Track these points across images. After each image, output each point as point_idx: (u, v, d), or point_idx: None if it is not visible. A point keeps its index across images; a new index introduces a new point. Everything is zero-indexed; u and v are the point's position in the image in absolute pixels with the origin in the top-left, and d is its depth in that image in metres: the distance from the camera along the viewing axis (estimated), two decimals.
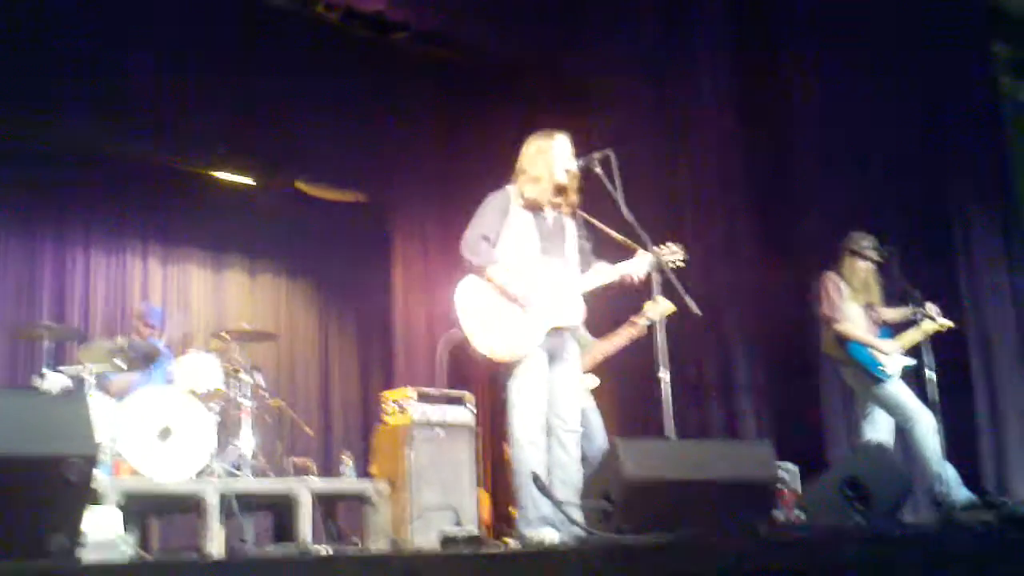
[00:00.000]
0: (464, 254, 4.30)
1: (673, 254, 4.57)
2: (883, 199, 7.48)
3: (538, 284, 4.34)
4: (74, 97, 7.67)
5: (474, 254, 4.29)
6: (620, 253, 4.64)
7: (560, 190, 4.50)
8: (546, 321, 4.33)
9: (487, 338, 4.25)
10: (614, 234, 4.65)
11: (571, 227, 4.60)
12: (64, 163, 8.68)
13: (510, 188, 4.49)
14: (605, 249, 4.74)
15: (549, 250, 4.46)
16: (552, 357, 4.38)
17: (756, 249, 7.77)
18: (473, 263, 4.29)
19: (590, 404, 5.49)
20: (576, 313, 4.50)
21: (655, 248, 4.49)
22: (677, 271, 4.56)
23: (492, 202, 4.43)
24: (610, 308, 5.30)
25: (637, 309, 5.48)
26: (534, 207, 4.47)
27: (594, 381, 5.59)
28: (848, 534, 3.74)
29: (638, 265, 4.49)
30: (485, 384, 7.29)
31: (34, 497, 2.34)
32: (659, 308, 4.80)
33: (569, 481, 4.29)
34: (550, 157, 4.49)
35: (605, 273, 4.52)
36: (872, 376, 5.86)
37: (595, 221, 4.68)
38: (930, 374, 5.98)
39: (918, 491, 5.86)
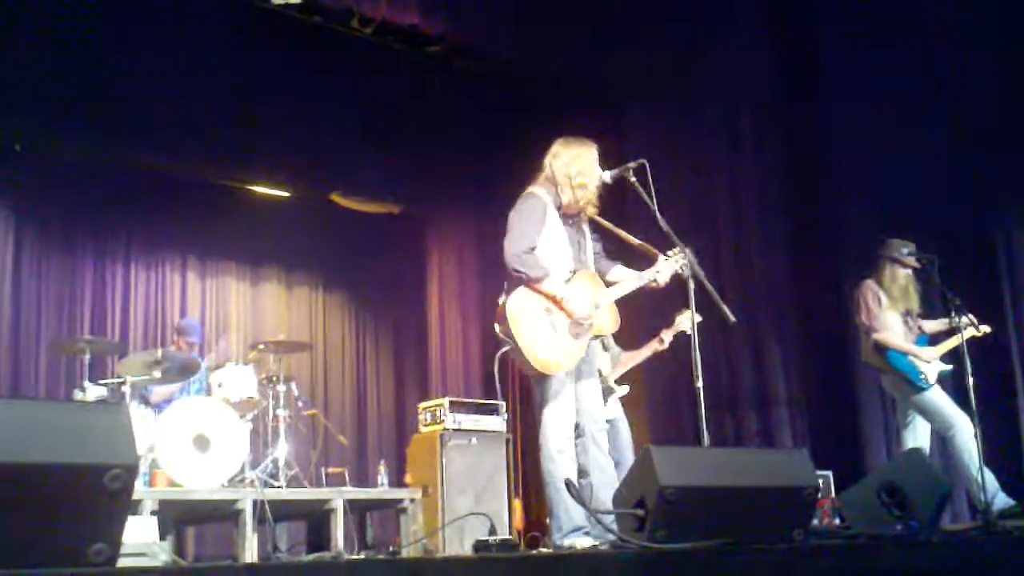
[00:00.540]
0: (516, 267, 4.24)
1: (685, 260, 4.50)
2: (922, 204, 7.40)
3: (584, 296, 4.34)
4: (114, 114, 7.78)
5: (527, 267, 4.23)
6: (630, 255, 4.65)
7: (598, 194, 4.50)
8: (592, 333, 4.36)
9: (542, 350, 4.23)
10: (631, 239, 4.64)
11: (588, 232, 4.60)
12: (103, 179, 8.81)
13: (541, 192, 4.45)
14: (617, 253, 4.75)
15: (579, 257, 4.47)
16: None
17: (792, 257, 7.72)
18: (529, 276, 4.24)
19: (619, 414, 5.47)
20: (614, 323, 4.51)
21: (668, 252, 4.49)
22: (713, 278, 4.54)
23: (529, 209, 4.38)
24: (635, 316, 5.29)
25: (660, 317, 5.50)
26: (570, 213, 4.47)
27: (624, 390, 5.57)
28: (887, 541, 3.70)
29: (663, 271, 4.48)
30: (520, 394, 7.31)
31: (75, 506, 2.36)
32: (687, 319, 4.84)
33: (608, 480, 4.27)
34: (593, 164, 4.48)
35: (633, 281, 4.51)
36: (912, 384, 5.81)
37: (609, 225, 4.65)
38: (970, 380, 5.91)
39: (957, 498, 5.79)
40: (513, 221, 4.34)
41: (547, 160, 4.54)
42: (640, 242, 4.59)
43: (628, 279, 4.52)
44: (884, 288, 6.02)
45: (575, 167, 4.45)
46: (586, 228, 4.58)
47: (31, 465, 2.33)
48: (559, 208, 4.44)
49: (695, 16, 8.09)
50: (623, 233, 4.64)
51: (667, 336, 5.59)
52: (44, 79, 7.43)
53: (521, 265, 4.22)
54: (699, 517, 3.38)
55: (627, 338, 5.65)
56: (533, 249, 4.29)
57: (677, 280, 4.50)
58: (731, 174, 7.96)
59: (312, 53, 8.48)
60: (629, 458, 5.24)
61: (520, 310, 4.24)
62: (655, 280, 4.48)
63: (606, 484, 4.25)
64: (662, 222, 4.39)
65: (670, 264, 4.47)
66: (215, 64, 8.15)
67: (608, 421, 5.44)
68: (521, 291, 4.26)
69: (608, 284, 4.55)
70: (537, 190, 4.45)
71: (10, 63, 7.21)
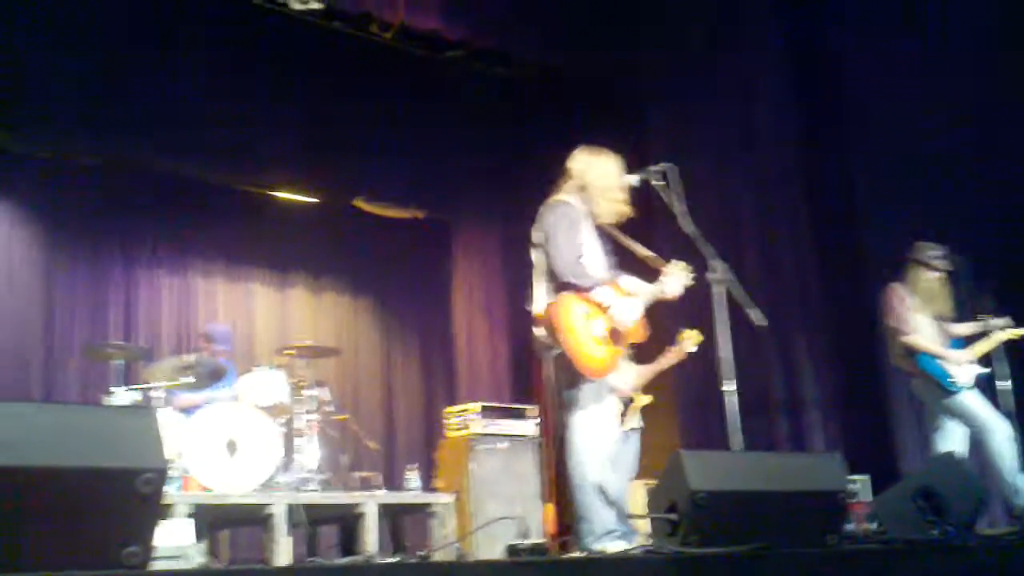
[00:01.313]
0: (568, 277, 4.24)
1: (689, 272, 4.53)
2: (951, 205, 7.32)
3: (627, 305, 4.36)
4: (141, 121, 7.84)
5: (579, 277, 4.26)
6: (641, 268, 4.66)
7: (622, 206, 4.51)
8: (627, 342, 4.40)
9: (589, 353, 4.25)
10: (640, 251, 4.64)
11: (608, 239, 4.61)
12: (130, 186, 8.88)
13: (572, 201, 4.45)
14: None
15: (610, 266, 4.49)
16: None
17: (821, 259, 7.67)
18: (581, 285, 4.26)
19: (638, 423, 5.49)
20: (644, 332, 4.52)
21: (670, 263, 4.50)
22: (740, 281, 4.52)
23: (566, 219, 4.37)
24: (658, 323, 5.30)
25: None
26: (601, 223, 4.48)
27: (647, 399, 5.58)
28: (922, 546, 3.66)
29: (673, 284, 4.47)
30: (551, 398, 7.28)
31: (107, 509, 2.38)
32: (691, 338, 5.35)
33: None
34: (621, 177, 4.50)
35: (651, 291, 4.50)
36: (942, 388, 5.75)
37: (622, 237, 4.64)
38: (1003, 384, 5.84)
39: (993, 502, 5.72)
40: (555, 230, 4.33)
41: (575, 168, 4.53)
42: (647, 253, 4.61)
43: (642, 292, 4.49)
44: (912, 291, 5.97)
45: (610, 180, 4.46)
46: (607, 238, 4.60)
47: (64, 469, 2.35)
48: (591, 216, 4.45)
49: (715, 16, 8.05)
50: (631, 243, 4.64)
51: (674, 353, 5.65)
52: (72, 86, 7.51)
53: (574, 275, 4.25)
54: (731, 521, 3.36)
55: (652, 345, 5.64)
56: (581, 258, 4.31)
57: (704, 285, 4.49)
58: (756, 176, 7.92)
59: (335, 59, 8.52)
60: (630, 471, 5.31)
61: (565, 314, 4.24)
62: (663, 293, 4.47)
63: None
64: (687, 226, 4.39)
65: (676, 276, 4.47)
66: (237, 71, 8.21)
67: (633, 430, 5.46)
68: (565, 296, 4.26)
69: None
70: (568, 198, 4.45)
71: (40, 70, 7.29)
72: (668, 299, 4.52)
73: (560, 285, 4.27)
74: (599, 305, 4.27)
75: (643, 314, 4.48)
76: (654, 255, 4.59)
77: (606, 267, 4.45)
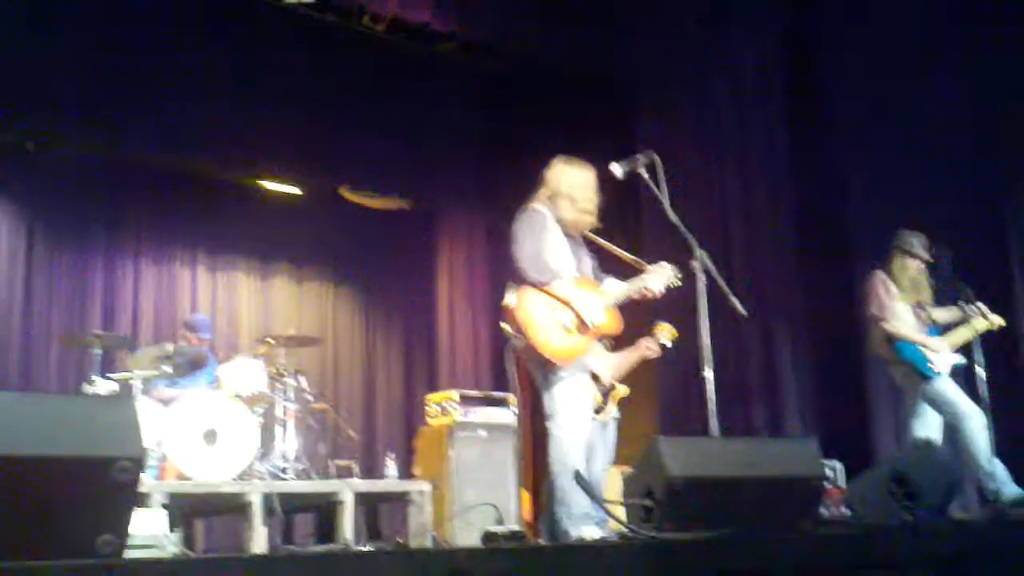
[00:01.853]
0: (528, 273, 4.40)
1: (675, 273, 4.69)
2: (934, 195, 7.36)
3: (590, 298, 4.50)
4: (123, 111, 7.80)
5: (538, 271, 4.41)
6: (624, 270, 4.79)
7: (595, 215, 4.68)
8: (596, 334, 4.52)
9: (553, 342, 4.39)
10: (622, 254, 4.80)
11: (584, 246, 4.76)
12: (113, 175, 8.86)
13: (541, 208, 4.60)
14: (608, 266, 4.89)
15: (580, 268, 4.64)
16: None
17: (802, 247, 7.70)
18: (540, 280, 4.41)
19: (615, 414, 5.52)
20: (617, 325, 4.65)
21: (655, 266, 4.67)
22: (722, 266, 4.59)
23: (531, 223, 4.54)
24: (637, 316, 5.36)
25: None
26: (570, 230, 4.63)
27: (625, 391, 5.61)
28: (895, 530, 3.70)
29: (655, 281, 4.64)
30: (530, 387, 7.31)
31: (82, 498, 2.38)
32: (666, 331, 5.51)
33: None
34: (592, 189, 4.65)
35: (624, 290, 4.65)
36: (921, 374, 5.79)
37: (600, 240, 4.79)
38: (980, 371, 5.89)
39: (967, 488, 5.78)
40: (518, 231, 4.50)
41: (549, 176, 4.68)
42: (632, 257, 4.77)
43: (619, 288, 4.66)
44: (895, 279, 6.01)
45: (579, 191, 4.62)
46: (582, 242, 4.75)
47: (39, 458, 2.35)
48: (560, 223, 4.60)
49: (704, 6, 8.06)
50: (615, 249, 4.80)
51: (651, 345, 5.70)
52: (53, 77, 7.46)
53: (532, 269, 4.41)
54: (706, 507, 3.38)
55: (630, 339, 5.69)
56: (541, 253, 4.47)
57: (688, 274, 4.56)
58: (741, 165, 7.94)
59: (323, 50, 8.50)
60: (608, 459, 5.35)
61: (530, 306, 4.41)
62: (647, 289, 4.63)
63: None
64: (672, 216, 4.48)
65: (660, 275, 4.65)
66: (225, 60, 8.18)
67: (613, 419, 5.50)
68: (530, 291, 4.42)
69: None
70: (538, 205, 4.62)
71: (19, 61, 7.24)
72: (650, 297, 4.67)
73: (522, 281, 4.42)
74: (559, 298, 4.41)
75: (615, 307, 4.61)
76: (636, 259, 4.75)
77: (575, 269, 4.58)
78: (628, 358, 5.70)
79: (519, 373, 4.74)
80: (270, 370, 6.96)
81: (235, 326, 9.69)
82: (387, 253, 10.35)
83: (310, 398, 7.25)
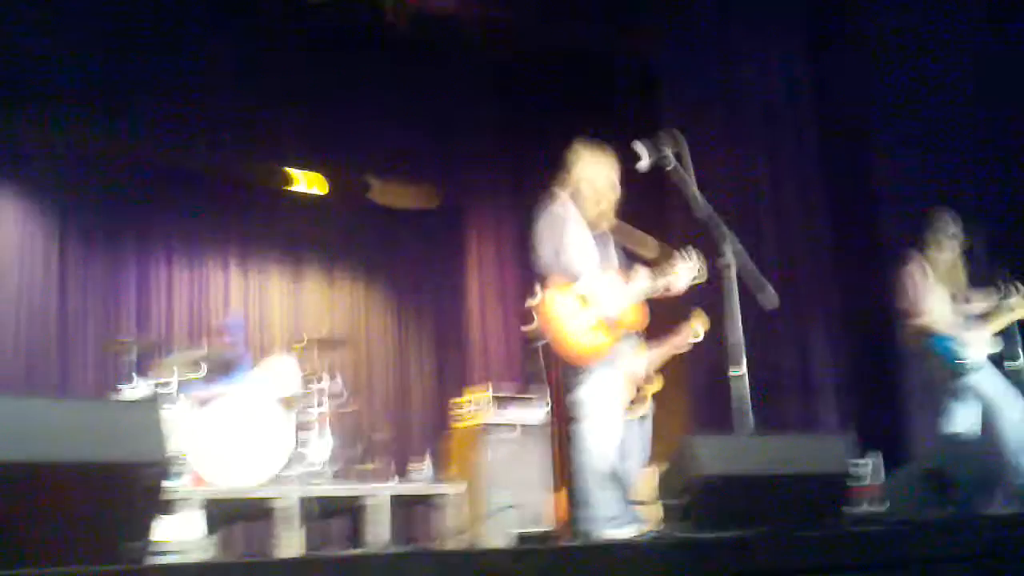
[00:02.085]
0: (549, 273, 4.40)
1: (700, 267, 4.62)
2: (967, 182, 7.25)
3: (613, 293, 4.45)
4: (155, 114, 7.86)
5: (559, 270, 4.40)
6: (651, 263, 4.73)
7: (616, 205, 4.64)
8: (622, 329, 4.48)
9: (577, 341, 4.36)
10: (647, 250, 4.73)
11: (610, 238, 4.70)
12: (144, 177, 8.91)
13: (562, 202, 4.56)
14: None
15: (604, 259, 4.59)
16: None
17: (836, 238, 7.61)
18: (562, 279, 4.39)
19: (648, 411, 5.44)
20: (643, 319, 4.61)
21: (683, 252, 4.61)
22: (754, 260, 4.51)
23: (552, 221, 4.51)
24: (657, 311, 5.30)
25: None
26: (592, 224, 4.59)
27: (659, 383, 5.54)
28: (930, 526, 3.64)
29: (680, 278, 4.58)
30: (559, 386, 7.28)
31: (107, 503, 2.39)
32: (701, 321, 5.31)
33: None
34: (613, 184, 4.60)
35: (651, 285, 4.59)
36: (953, 368, 5.70)
37: (627, 233, 4.72)
38: (1017, 364, 5.78)
39: (1003, 483, 5.67)
40: (539, 229, 4.50)
41: (571, 165, 4.63)
42: (659, 250, 4.71)
43: (643, 284, 4.58)
44: (929, 268, 5.91)
45: (600, 189, 4.58)
46: (609, 234, 4.69)
47: (65, 464, 2.36)
48: (583, 217, 4.56)
49: None
50: (642, 240, 4.73)
51: (687, 335, 5.59)
52: (84, 78, 7.53)
53: (554, 268, 4.40)
54: (739, 504, 3.36)
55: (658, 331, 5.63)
56: (560, 252, 4.44)
57: (717, 267, 4.49)
58: (770, 151, 7.86)
59: (347, 43, 8.51)
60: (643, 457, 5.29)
61: (553, 305, 4.38)
62: (672, 286, 4.58)
63: None
64: (699, 197, 4.38)
65: (684, 272, 4.58)
66: (252, 58, 8.22)
67: (643, 417, 5.43)
68: (553, 289, 4.40)
69: None
70: (560, 198, 4.59)
71: (52, 62, 7.31)
72: (674, 293, 4.62)
73: (545, 280, 4.41)
74: (583, 296, 4.38)
75: (642, 302, 4.56)
76: (662, 247, 4.69)
77: (597, 261, 4.53)
78: (664, 349, 5.61)
79: (547, 373, 4.72)
80: (304, 372, 6.98)
81: (267, 327, 9.73)
82: (417, 251, 10.35)
83: (342, 400, 7.26)
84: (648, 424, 5.41)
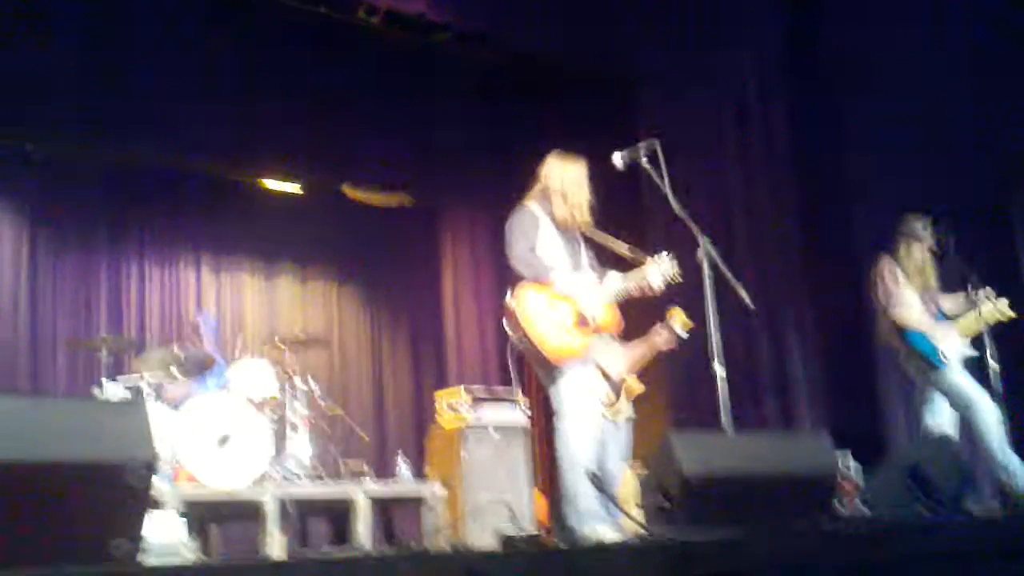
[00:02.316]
0: (521, 270, 4.44)
1: (671, 267, 4.63)
2: (939, 183, 7.32)
3: (587, 293, 4.50)
4: (123, 112, 7.78)
5: (530, 267, 4.44)
6: (625, 266, 4.76)
7: (590, 209, 4.68)
8: (594, 329, 4.50)
9: (553, 339, 4.39)
10: (621, 249, 4.76)
11: (582, 241, 4.76)
12: (115, 178, 8.85)
13: (534, 206, 4.62)
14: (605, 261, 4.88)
15: (575, 264, 4.64)
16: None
17: (810, 236, 7.67)
18: (534, 277, 4.44)
19: (630, 413, 5.44)
20: (616, 321, 4.67)
21: (654, 256, 4.62)
22: (727, 260, 4.54)
23: (523, 222, 4.57)
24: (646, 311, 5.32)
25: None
26: (562, 226, 4.63)
27: (639, 387, 5.53)
28: (910, 525, 3.67)
29: (654, 275, 4.59)
30: (539, 386, 7.30)
31: (95, 502, 2.37)
32: (678, 318, 5.24)
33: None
34: (584, 185, 4.66)
35: (625, 285, 4.64)
36: (930, 363, 5.75)
37: (603, 237, 4.77)
38: (993, 363, 5.84)
39: (981, 480, 5.74)
40: (510, 231, 4.55)
41: (542, 173, 4.71)
42: (629, 248, 4.74)
43: (617, 285, 4.64)
44: (901, 265, 5.96)
45: (571, 188, 4.64)
46: (580, 238, 4.75)
47: (51, 463, 2.34)
48: (553, 220, 4.61)
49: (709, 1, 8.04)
50: (613, 242, 4.77)
51: (665, 334, 5.53)
52: (52, 79, 7.44)
53: (526, 266, 4.44)
54: (723, 504, 3.36)
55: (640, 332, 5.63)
56: (533, 250, 4.49)
57: (693, 265, 4.52)
58: (743, 154, 7.92)
59: (319, 44, 8.47)
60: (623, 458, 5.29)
61: (527, 305, 4.42)
62: (646, 285, 4.60)
63: None
64: (675, 204, 4.45)
65: (658, 267, 4.59)
66: (222, 58, 8.14)
67: (628, 419, 5.42)
68: (527, 289, 4.44)
69: None
70: (530, 204, 4.64)
71: (20, 64, 7.22)
72: (649, 293, 4.65)
73: (519, 279, 4.45)
74: (557, 295, 4.42)
75: (616, 304, 4.61)
76: (633, 250, 4.73)
77: (570, 265, 4.57)
78: (642, 350, 5.57)
79: (526, 372, 4.73)
80: (278, 372, 6.94)
81: (240, 327, 9.67)
82: (391, 251, 10.32)
83: (321, 401, 7.23)
84: (627, 427, 5.41)
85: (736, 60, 7.99)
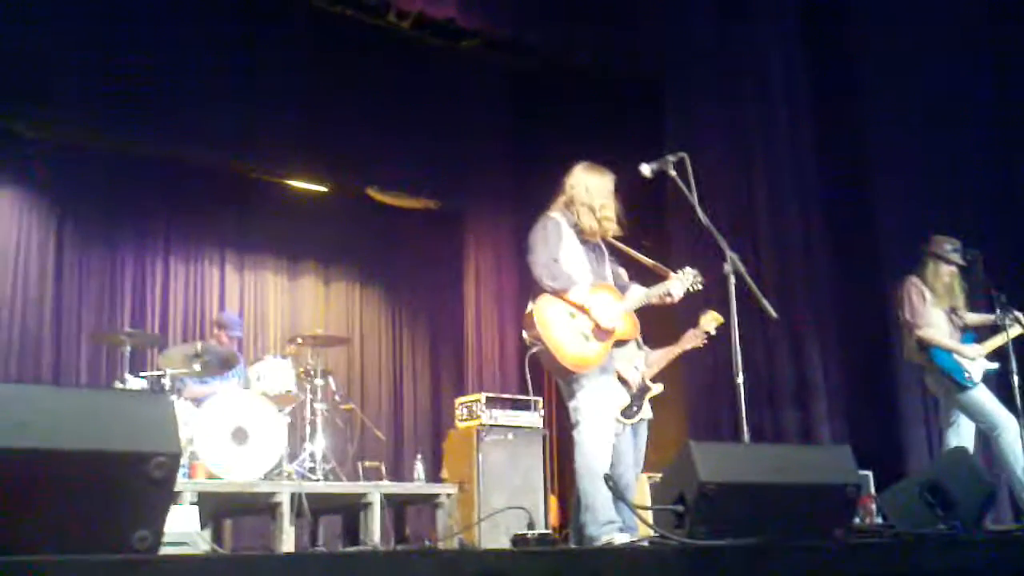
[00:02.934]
0: (543, 280, 4.43)
1: (696, 278, 4.68)
2: (964, 197, 7.29)
3: (607, 303, 4.50)
4: (153, 109, 7.85)
5: (553, 279, 4.43)
6: (648, 276, 4.80)
7: (615, 220, 4.67)
8: (614, 338, 4.51)
9: (571, 349, 4.40)
10: (645, 260, 4.78)
11: (606, 253, 4.76)
12: (142, 174, 8.91)
13: (558, 215, 4.61)
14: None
15: (598, 273, 4.63)
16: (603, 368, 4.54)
17: (833, 252, 7.64)
18: (555, 287, 4.43)
19: (648, 414, 5.46)
20: (634, 329, 4.66)
21: (679, 271, 4.67)
22: (753, 273, 4.54)
23: (545, 231, 4.55)
24: (666, 316, 5.31)
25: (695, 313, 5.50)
26: (586, 236, 4.62)
27: (658, 388, 5.54)
28: (930, 541, 3.65)
29: (676, 286, 4.63)
30: (555, 391, 7.32)
31: (119, 493, 2.38)
32: (710, 319, 5.23)
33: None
34: (610, 195, 4.65)
35: (646, 294, 4.66)
36: (956, 383, 5.72)
37: (625, 248, 4.78)
38: (1017, 380, 5.81)
39: (1002, 498, 5.71)
40: (533, 240, 4.54)
41: (567, 183, 4.69)
42: (654, 263, 4.76)
43: (638, 293, 4.67)
44: (928, 285, 5.94)
45: (598, 199, 4.62)
46: (604, 249, 4.75)
47: (76, 452, 2.35)
48: (576, 230, 4.61)
49: (729, 4, 8.02)
50: (638, 255, 4.79)
51: (695, 336, 5.55)
52: (83, 73, 7.52)
53: (548, 276, 4.43)
54: (739, 513, 3.35)
55: (669, 337, 5.64)
56: (556, 259, 4.48)
57: (719, 277, 4.52)
58: (770, 164, 7.89)
59: (349, 47, 8.53)
60: (638, 463, 5.28)
61: (547, 314, 4.43)
62: (669, 295, 4.63)
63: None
64: (703, 217, 4.44)
65: (681, 281, 4.63)
66: (253, 58, 8.22)
67: (643, 421, 5.44)
68: (547, 298, 4.44)
69: None
70: (554, 213, 4.63)
71: (50, 57, 7.30)
72: (670, 302, 4.67)
73: (540, 288, 4.45)
74: (575, 304, 4.41)
75: (633, 312, 4.61)
76: (659, 265, 4.75)
77: (592, 275, 4.57)
78: (671, 352, 5.61)
79: (544, 380, 4.74)
80: (298, 370, 6.97)
81: (263, 325, 9.73)
82: (414, 253, 10.37)
83: (338, 398, 7.26)
84: (644, 430, 5.43)
85: (763, 64, 7.97)
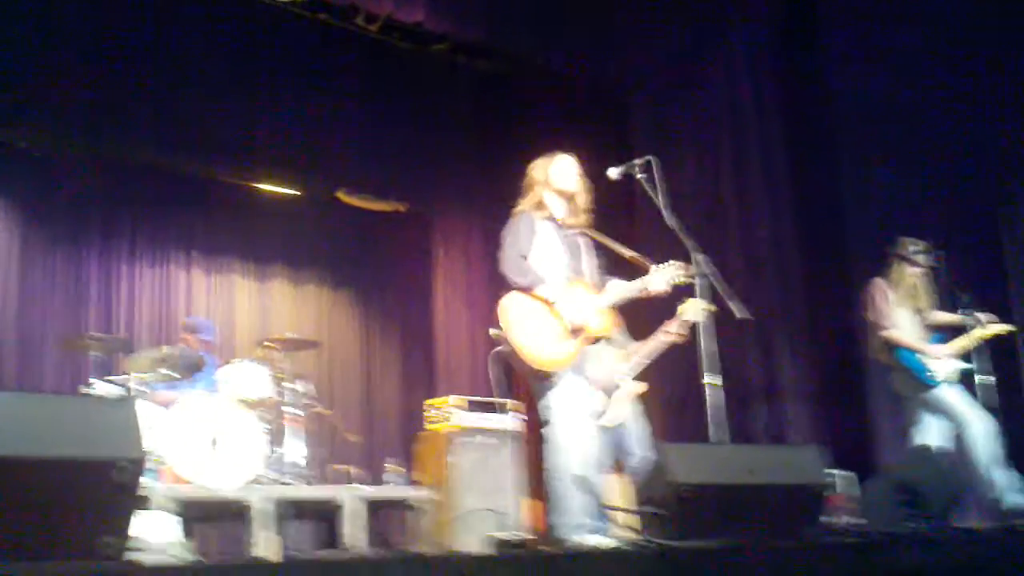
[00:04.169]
0: (511, 276, 4.40)
1: (678, 270, 4.57)
2: (931, 198, 7.35)
3: (577, 301, 4.44)
4: (119, 111, 7.78)
5: (521, 275, 4.40)
6: (629, 269, 4.72)
7: (587, 206, 4.64)
8: (585, 336, 4.45)
9: (540, 349, 4.34)
10: (625, 252, 4.70)
11: (584, 245, 4.70)
12: (108, 176, 8.81)
13: (528, 210, 4.59)
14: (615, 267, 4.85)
15: (575, 267, 4.58)
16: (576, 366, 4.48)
17: (804, 253, 7.68)
18: (522, 284, 4.39)
19: (637, 409, 5.40)
20: (609, 327, 4.63)
21: (659, 265, 4.57)
22: (722, 274, 4.54)
23: (516, 227, 4.54)
24: (647, 311, 5.28)
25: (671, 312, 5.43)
26: (567, 224, 4.59)
27: (640, 386, 5.49)
28: (900, 538, 3.67)
29: (655, 281, 4.54)
30: (528, 392, 7.29)
31: (83, 499, 2.36)
32: (693, 309, 4.90)
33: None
34: (575, 173, 4.63)
35: (625, 289, 4.59)
36: (921, 382, 5.78)
37: (605, 240, 4.73)
38: (985, 379, 5.86)
39: (972, 496, 5.75)
40: (504, 237, 4.52)
41: (530, 175, 4.67)
42: (632, 255, 4.68)
43: (622, 288, 4.59)
44: (893, 286, 6.00)
45: (562, 178, 4.60)
46: (581, 241, 4.69)
47: (39, 459, 2.32)
48: (552, 221, 4.57)
49: (699, 10, 8.05)
50: (618, 247, 4.71)
51: (674, 327, 5.44)
52: (48, 76, 7.43)
53: (515, 273, 4.40)
54: (713, 514, 3.36)
55: (643, 334, 5.60)
56: (525, 257, 4.45)
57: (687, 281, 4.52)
58: (737, 168, 7.93)
59: (317, 50, 8.50)
60: (637, 456, 5.18)
61: (515, 313, 4.38)
62: (647, 290, 4.54)
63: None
64: (670, 219, 4.44)
65: (661, 275, 4.53)
66: (220, 61, 8.17)
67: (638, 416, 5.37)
68: (516, 296, 4.40)
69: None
70: (523, 208, 4.61)
71: (14, 60, 7.21)
72: (652, 296, 4.58)
73: (509, 286, 4.42)
74: (545, 301, 4.37)
75: (612, 308, 4.57)
76: (638, 256, 4.66)
77: (570, 270, 4.53)
78: (649, 348, 5.51)
79: (515, 379, 4.69)
80: (272, 375, 6.92)
81: (231, 329, 9.64)
82: (384, 256, 10.33)
83: (312, 403, 7.20)
84: (637, 426, 5.32)
85: (731, 65, 8.01)
